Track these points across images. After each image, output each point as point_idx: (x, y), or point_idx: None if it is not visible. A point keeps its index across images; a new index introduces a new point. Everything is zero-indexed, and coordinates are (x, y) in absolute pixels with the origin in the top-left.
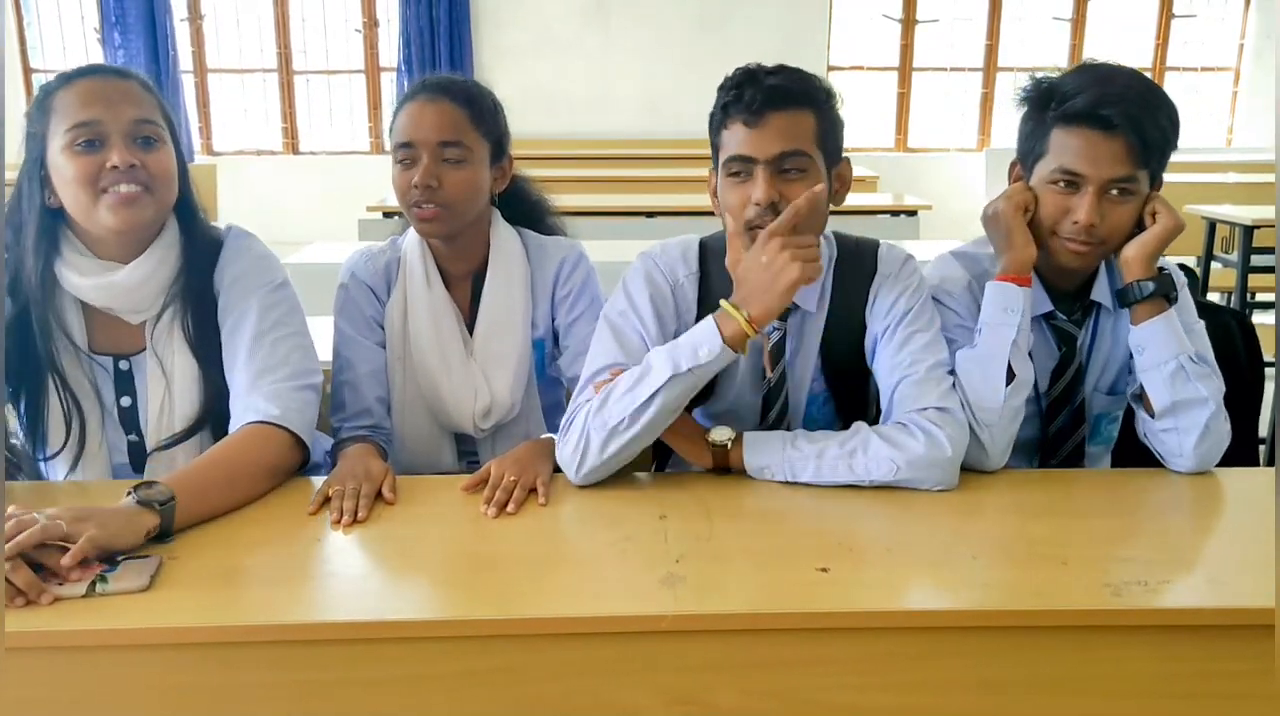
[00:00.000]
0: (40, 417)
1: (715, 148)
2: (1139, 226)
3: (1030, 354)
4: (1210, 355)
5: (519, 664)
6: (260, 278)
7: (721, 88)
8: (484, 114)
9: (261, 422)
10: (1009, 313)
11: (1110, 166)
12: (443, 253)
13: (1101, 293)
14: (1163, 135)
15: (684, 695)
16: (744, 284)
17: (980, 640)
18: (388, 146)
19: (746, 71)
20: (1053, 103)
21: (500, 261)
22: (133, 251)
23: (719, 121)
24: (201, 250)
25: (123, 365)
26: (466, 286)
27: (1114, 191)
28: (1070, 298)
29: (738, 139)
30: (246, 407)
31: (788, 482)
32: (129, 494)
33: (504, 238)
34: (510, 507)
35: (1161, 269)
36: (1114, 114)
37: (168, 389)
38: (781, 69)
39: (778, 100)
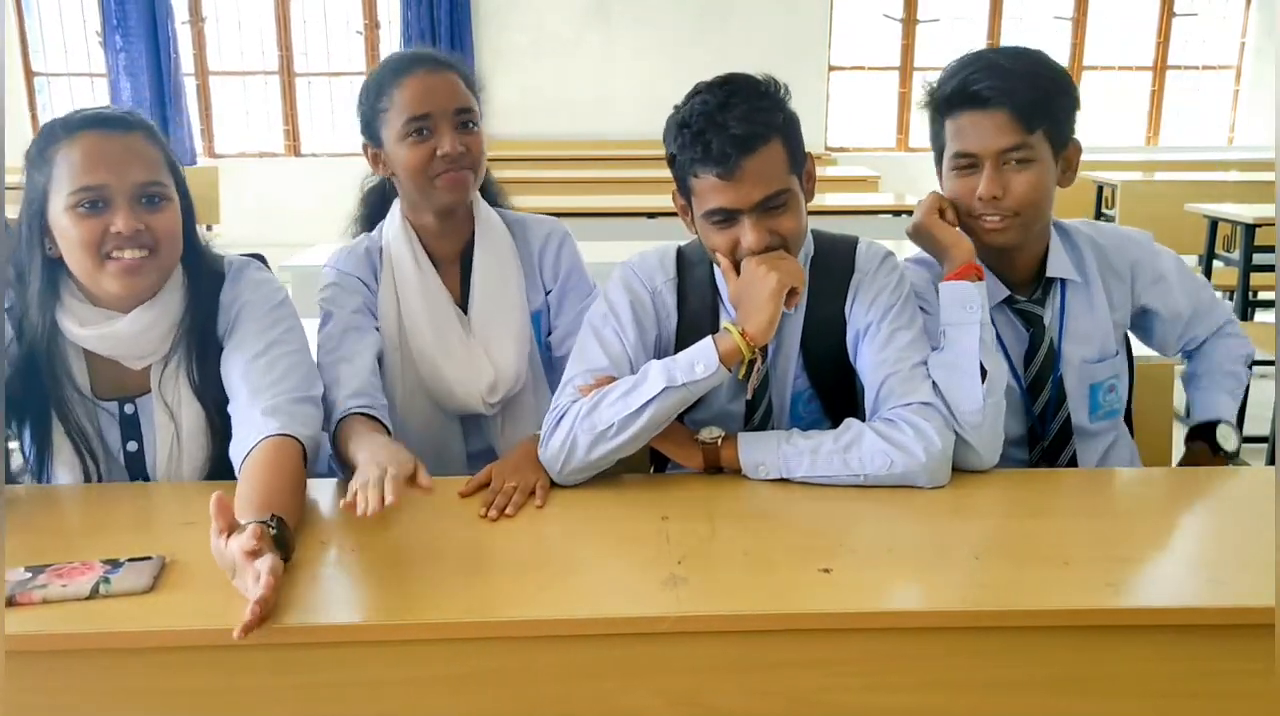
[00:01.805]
0: (45, 463)
1: (686, 189)
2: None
3: (1001, 342)
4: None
5: (521, 666)
6: (254, 304)
7: (681, 131)
8: (473, 80)
9: (268, 437)
10: (969, 309)
11: (995, 138)
12: (432, 233)
13: (1059, 267)
14: (1043, 95)
15: (686, 696)
16: (739, 306)
17: (982, 640)
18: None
19: (704, 116)
20: (935, 98)
21: (488, 238)
22: (135, 304)
23: (686, 168)
24: (207, 292)
25: (128, 409)
26: (455, 268)
27: (1011, 162)
28: (1029, 280)
29: (714, 191)
30: (248, 428)
31: (788, 483)
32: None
33: (487, 214)
34: (509, 511)
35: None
36: (984, 89)
37: (176, 435)
38: (735, 98)
39: (748, 146)
